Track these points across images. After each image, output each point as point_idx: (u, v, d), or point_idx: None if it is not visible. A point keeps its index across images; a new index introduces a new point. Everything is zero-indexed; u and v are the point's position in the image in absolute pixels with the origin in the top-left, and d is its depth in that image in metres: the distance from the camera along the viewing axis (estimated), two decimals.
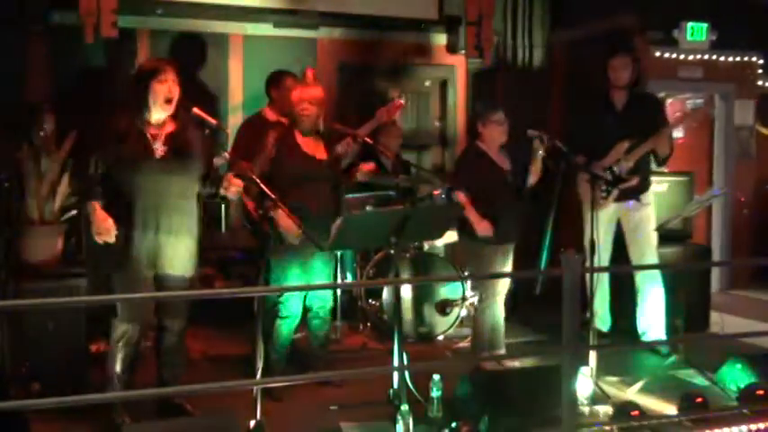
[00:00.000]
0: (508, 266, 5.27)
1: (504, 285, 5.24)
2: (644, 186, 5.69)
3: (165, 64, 4.21)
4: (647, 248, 5.68)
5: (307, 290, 4.92)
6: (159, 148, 4.16)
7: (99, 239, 4.06)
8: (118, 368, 4.21)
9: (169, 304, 4.34)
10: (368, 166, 5.10)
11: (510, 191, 5.15)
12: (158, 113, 4.18)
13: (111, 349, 4.24)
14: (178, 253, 4.23)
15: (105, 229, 4.03)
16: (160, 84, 4.13)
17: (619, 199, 5.59)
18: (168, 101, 4.15)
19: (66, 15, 6.32)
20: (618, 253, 5.79)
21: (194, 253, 4.32)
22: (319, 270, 4.85)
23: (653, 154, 5.62)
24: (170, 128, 4.23)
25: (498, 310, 5.24)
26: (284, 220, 4.50)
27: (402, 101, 5.71)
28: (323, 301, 4.98)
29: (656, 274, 5.71)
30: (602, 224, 5.54)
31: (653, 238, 5.68)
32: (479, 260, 5.14)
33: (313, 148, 4.88)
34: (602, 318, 5.85)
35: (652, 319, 5.71)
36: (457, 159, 5.67)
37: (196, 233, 4.32)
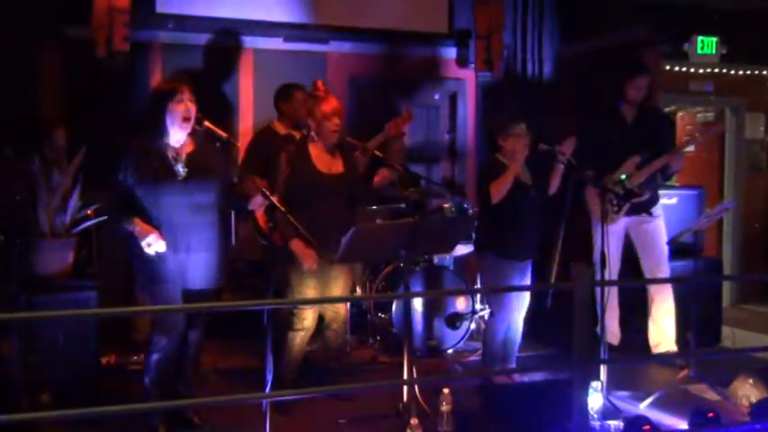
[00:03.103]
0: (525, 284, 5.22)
1: (521, 302, 5.20)
2: (655, 199, 5.70)
3: (181, 83, 4.24)
4: (661, 261, 5.68)
5: (318, 303, 4.91)
6: (181, 170, 4.20)
7: (151, 250, 4.08)
8: (153, 379, 4.29)
9: (192, 318, 4.38)
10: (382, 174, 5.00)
11: (532, 205, 5.11)
12: (177, 134, 4.22)
13: (148, 361, 4.30)
14: (202, 268, 4.28)
15: (155, 238, 4.07)
16: (177, 104, 4.16)
17: (629, 213, 5.59)
18: (186, 119, 4.19)
19: (78, 29, 6.36)
20: (627, 266, 5.78)
21: (219, 265, 4.35)
22: (337, 283, 4.84)
23: (662, 169, 5.61)
24: (189, 148, 4.27)
25: (513, 326, 5.21)
26: (301, 251, 4.56)
27: (410, 113, 5.73)
28: (338, 314, 4.97)
29: (669, 286, 5.71)
30: (612, 238, 5.53)
31: (665, 250, 5.67)
32: (496, 275, 5.10)
33: (328, 162, 4.84)
34: (612, 332, 5.83)
35: (665, 331, 5.70)
36: (480, 171, 5.63)
37: (219, 246, 4.35)
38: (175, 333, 4.29)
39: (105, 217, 4.98)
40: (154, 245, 4.08)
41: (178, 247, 4.18)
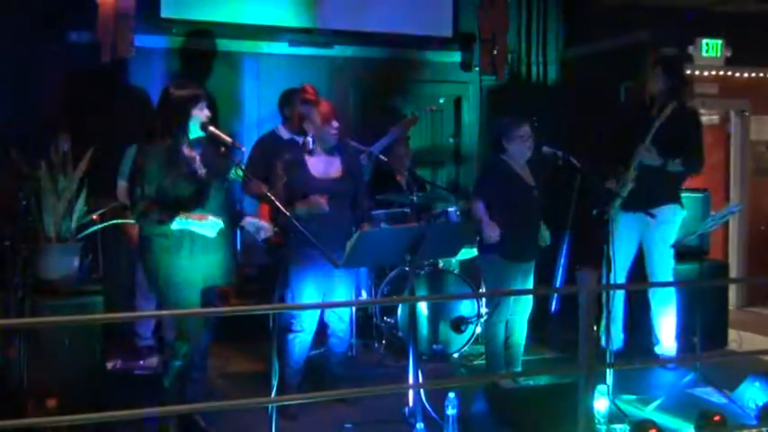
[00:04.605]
0: (528, 286, 5.22)
1: (521, 304, 5.20)
2: (655, 200, 5.59)
3: (200, 89, 4.35)
4: (657, 267, 5.68)
5: (321, 308, 4.91)
6: (201, 170, 4.29)
7: (215, 232, 4.22)
8: (173, 383, 4.31)
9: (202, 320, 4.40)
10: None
11: (535, 207, 5.11)
12: (194, 135, 4.32)
13: (170, 367, 4.33)
14: (217, 267, 4.34)
15: (212, 218, 4.20)
16: (200, 111, 4.28)
17: (630, 209, 5.55)
18: (204, 126, 4.29)
19: (82, 35, 6.38)
20: (638, 267, 5.78)
21: (229, 265, 4.43)
22: (339, 288, 4.85)
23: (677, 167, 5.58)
24: (198, 149, 4.35)
25: (515, 329, 5.21)
26: (311, 201, 4.64)
27: (415, 116, 5.73)
28: (341, 321, 4.97)
29: (666, 291, 5.70)
30: (621, 237, 5.54)
31: (666, 257, 5.65)
32: (498, 276, 5.11)
33: (326, 166, 4.86)
34: (612, 336, 5.83)
35: (661, 334, 5.73)
36: (481, 171, 5.64)
37: (229, 246, 4.43)
38: (195, 338, 4.33)
39: (113, 221, 5.01)
40: (214, 224, 4.21)
41: (198, 245, 4.22)
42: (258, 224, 4.52)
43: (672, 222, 5.64)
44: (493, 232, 4.98)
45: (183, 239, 4.20)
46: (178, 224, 4.15)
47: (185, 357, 4.29)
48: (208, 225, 4.18)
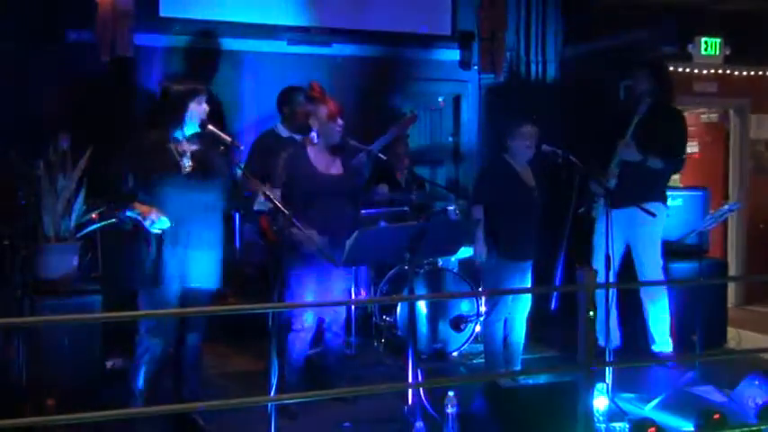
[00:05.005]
0: (525, 285, 5.22)
1: (519, 302, 5.21)
2: (640, 197, 5.48)
3: (202, 86, 4.39)
4: (646, 266, 5.69)
5: (320, 306, 4.91)
6: (187, 164, 4.29)
7: (156, 228, 4.16)
8: (141, 384, 4.31)
9: (191, 318, 4.39)
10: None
11: (534, 207, 5.12)
12: (190, 131, 4.33)
13: (136, 364, 4.33)
14: (205, 266, 4.33)
15: (157, 215, 4.14)
16: (198, 105, 4.30)
17: (615, 207, 5.53)
18: (202, 122, 4.31)
19: (82, 33, 6.38)
20: (629, 266, 5.77)
21: (219, 266, 4.43)
22: (336, 285, 4.86)
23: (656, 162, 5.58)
24: (195, 145, 4.36)
25: (514, 327, 5.21)
26: (301, 235, 4.55)
27: (414, 115, 5.73)
28: (335, 316, 4.98)
29: (658, 289, 5.70)
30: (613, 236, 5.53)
31: (653, 255, 5.65)
32: (497, 275, 5.11)
33: (327, 163, 4.87)
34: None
35: (655, 332, 5.74)
36: (481, 171, 5.65)
37: (221, 246, 4.43)
38: (168, 335, 4.32)
39: (111, 220, 5.01)
40: (157, 222, 4.14)
41: (177, 242, 4.23)
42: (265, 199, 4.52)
43: (658, 220, 5.64)
44: (480, 252, 5.03)
45: (169, 235, 4.20)
46: (129, 214, 4.18)
47: (156, 347, 4.29)
48: (149, 220, 4.15)
